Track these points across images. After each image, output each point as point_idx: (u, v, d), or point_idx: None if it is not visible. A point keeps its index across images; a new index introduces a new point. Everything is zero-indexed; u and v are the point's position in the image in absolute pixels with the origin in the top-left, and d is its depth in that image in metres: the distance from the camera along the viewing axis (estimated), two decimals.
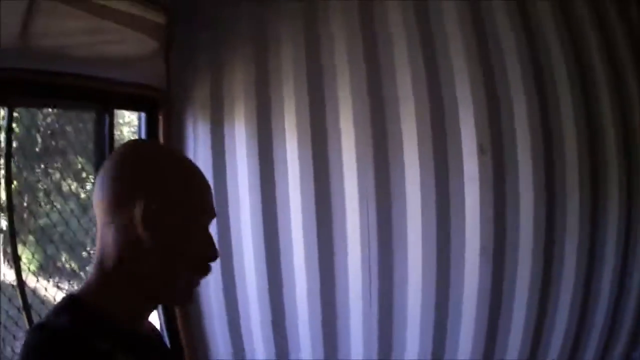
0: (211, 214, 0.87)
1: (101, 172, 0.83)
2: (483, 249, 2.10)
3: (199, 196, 0.84)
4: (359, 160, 2.11)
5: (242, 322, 2.28)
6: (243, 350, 2.31)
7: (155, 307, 0.88)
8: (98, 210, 0.81)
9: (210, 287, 2.27)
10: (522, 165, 2.10)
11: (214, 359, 2.35)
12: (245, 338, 2.31)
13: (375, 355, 2.26)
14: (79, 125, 2.46)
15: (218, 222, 2.18)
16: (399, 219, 2.10)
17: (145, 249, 0.77)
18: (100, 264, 0.80)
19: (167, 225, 0.78)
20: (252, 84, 2.17)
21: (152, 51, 2.27)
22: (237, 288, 2.25)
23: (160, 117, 2.28)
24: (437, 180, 2.08)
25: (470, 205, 2.09)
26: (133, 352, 0.77)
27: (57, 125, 2.41)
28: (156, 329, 0.97)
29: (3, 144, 1.77)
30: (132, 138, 2.68)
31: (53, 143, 2.47)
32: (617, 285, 2.34)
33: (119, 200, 0.78)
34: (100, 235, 0.80)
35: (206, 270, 0.85)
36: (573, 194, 2.17)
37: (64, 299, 0.81)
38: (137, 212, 0.76)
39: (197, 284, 0.86)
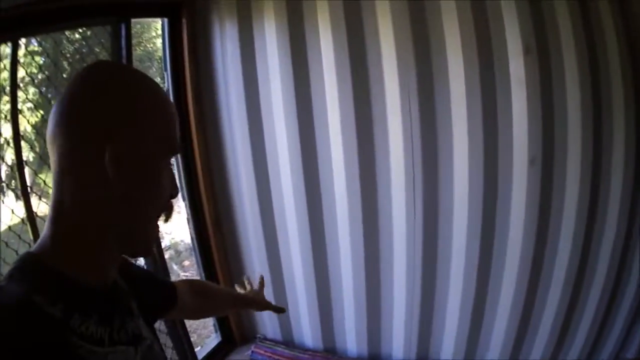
0: (177, 150, 0.77)
1: (57, 106, 0.68)
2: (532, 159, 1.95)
3: (171, 131, 0.74)
4: (399, 58, 1.89)
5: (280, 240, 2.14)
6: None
7: (118, 260, 0.77)
8: (54, 153, 0.68)
9: (245, 204, 2.09)
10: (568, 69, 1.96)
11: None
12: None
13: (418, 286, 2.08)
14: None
15: (251, 129, 1.97)
16: (444, 121, 1.92)
17: (115, 195, 0.68)
18: (58, 217, 0.69)
19: (138, 166, 0.69)
20: None
21: None
22: (273, 201, 2.11)
23: (184, 21, 2.04)
24: (482, 81, 1.91)
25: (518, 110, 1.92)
26: (93, 312, 0.69)
27: (84, 50, 2.17)
28: (122, 280, 0.84)
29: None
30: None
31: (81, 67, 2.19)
32: None
33: (82, 140, 0.67)
34: (57, 183, 0.68)
35: (171, 211, 0.76)
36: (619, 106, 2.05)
37: (20, 258, 0.70)
38: (107, 153, 0.66)
39: (158, 228, 0.78)
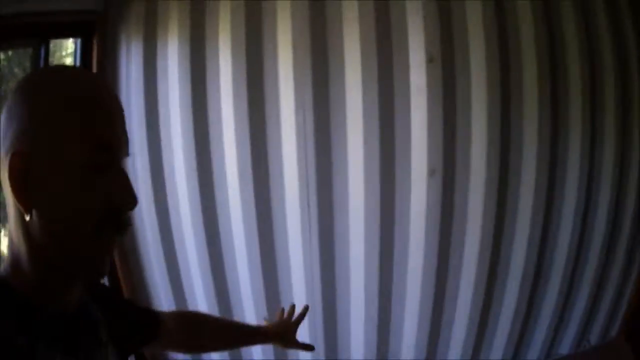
0: (121, 151, 0.65)
1: None
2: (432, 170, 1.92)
3: (97, 127, 0.61)
4: (296, 77, 1.89)
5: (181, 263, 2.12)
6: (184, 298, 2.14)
7: (74, 282, 0.68)
8: None
9: (146, 225, 2.09)
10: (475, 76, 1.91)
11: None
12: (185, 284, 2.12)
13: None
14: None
15: (150, 146, 2.03)
16: (339, 135, 1.91)
17: (31, 214, 0.60)
18: (9, 239, 0.65)
19: (48, 175, 0.59)
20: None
21: None
22: (172, 223, 2.07)
23: (94, 41, 2.15)
24: (380, 92, 1.89)
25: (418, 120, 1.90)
26: (59, 342, 0.62)
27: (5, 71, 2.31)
28: (94, 306, 0.76)
29: None
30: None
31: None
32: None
33: (2, 159, 0.61)
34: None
35: (122, 225, 0.65)
36: (531, 115, 1.99)
37: None
38: (3, 166, 0.60)
39: (112, 244, 0.66)
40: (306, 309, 1.26)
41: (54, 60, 2.10)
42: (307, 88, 1.89)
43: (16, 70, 2.11)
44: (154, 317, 0.98)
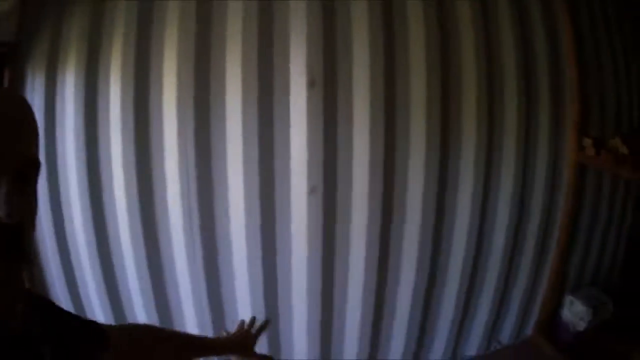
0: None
1: None
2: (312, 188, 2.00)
3: None
4: (179, 100, 1.96)
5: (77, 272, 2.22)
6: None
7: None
8: None
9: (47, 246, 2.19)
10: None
11: None
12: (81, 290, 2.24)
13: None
14: None
15: (48, 170, 2.13)
16: (219, 158, 1.99)
17: None
18: None
19: None
20: (85, 36, 2.09)
21: (9, 8, 2.28)
22: (68, 239, 2.18)
23: (6, 73, 2.27)
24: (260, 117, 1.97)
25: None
26: None
27: None
28: (34, 320, 0.71)
29: None
30: None
31: None
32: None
33: None
34: None
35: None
36: (418, 128, 2.04)
37: None
38: None
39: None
40: (267, 322, 1.30)
41: None
42: (189, 122, 1.97)
43: None
44: (99, 331, 0.91)
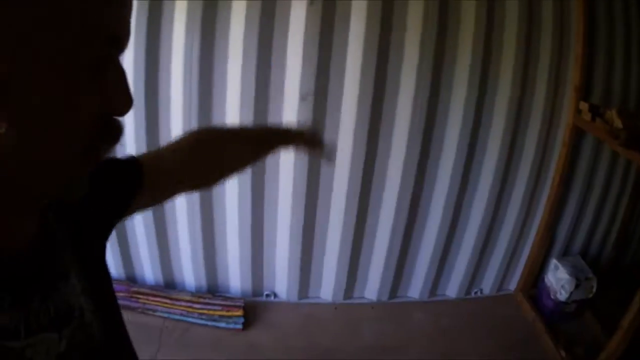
0: (125, 43, 0.49)
1: None
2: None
3: (108, 18, 0.45)
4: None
5: None
6: None
7: (33, 211, 0.53)
8: None
9: None
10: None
11: None
12: None
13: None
14: None
15: None
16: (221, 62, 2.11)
17: None
18: None
19: (35, 84, 0.42)
20: None
21: None
22: None
23: None
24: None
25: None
26: (4, 295, 0.47)
27: None
28: (53, 220, 0.59)
29: None
30: None
31: None
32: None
33: None
34: None
35: (115, 133, 0.50)
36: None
37: None
38: None
39: (100, 158, 0.51)
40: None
41: None
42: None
43: None
44: (133, 163, 0.79)
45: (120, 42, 0.48)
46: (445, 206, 2.36)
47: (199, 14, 2.02)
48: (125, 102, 0.49)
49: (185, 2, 2.03)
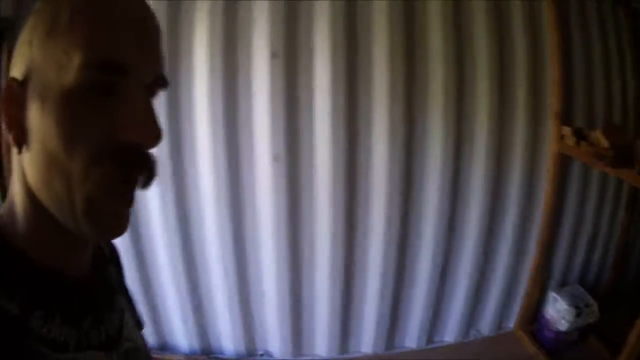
0: (140, 72, 0.50)
1: None
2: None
3: (102, 44, 0.48)
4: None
5: None
6: None
7: (76, 239, 0.56)
8: None
9: None
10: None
11: None
12: None
13: None
14: None
15: None
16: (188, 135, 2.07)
17: (20, 149, 0.51)
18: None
19: (41, 104, 0.48)
20: None
21: None
22: None
23: (5, 47, 2.41)
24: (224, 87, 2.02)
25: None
26: (59, 309, 0.53)
27: None
28: (111, 268, 0.70)
29: None
30: None
31: None
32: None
33: None
34: None
35: (140, 166, 0.51)
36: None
37: None
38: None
39: (126, 193, 0.52)
40: None
41: None
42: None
43: None
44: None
45: (120, 70, 0.48)
46: (434, 250, 2.28)
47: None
48: (140, 132, 0.49)
49: None
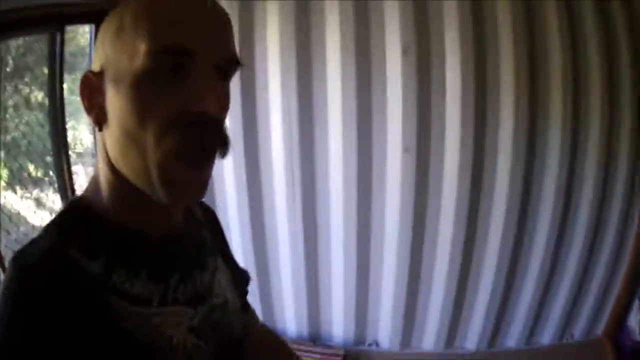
0: (202, 55, 0.57)
1: None
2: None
3: (164, 31, 0.56)
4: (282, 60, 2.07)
5: None
6: None
7: (159, 204, 0.60)
8: None
9: None
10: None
11: None
12: None
13: None
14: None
15: None
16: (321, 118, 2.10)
17: (100, 127, 0.61)
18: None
19: (116, 88, 0.58)
20: None
21: None
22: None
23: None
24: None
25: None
26: (144, 266, 0.60)
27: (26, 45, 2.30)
28: (207, 232, 0.76)
29: None
30: None
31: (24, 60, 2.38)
32: None
33: None
34: None
35: (204, 131, 0.57)
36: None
37: (69, 201, 0.67)
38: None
39: (200, 160, 0.58)
40: None
41: (70, 48, 2.31)
42: (292, 78, 2.08)
43: (29, 59, 2.30)
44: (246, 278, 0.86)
45: (183, 54, 0.56)
46: (543, 256, 2.32)
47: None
48: (207, 102, 0.55)
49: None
